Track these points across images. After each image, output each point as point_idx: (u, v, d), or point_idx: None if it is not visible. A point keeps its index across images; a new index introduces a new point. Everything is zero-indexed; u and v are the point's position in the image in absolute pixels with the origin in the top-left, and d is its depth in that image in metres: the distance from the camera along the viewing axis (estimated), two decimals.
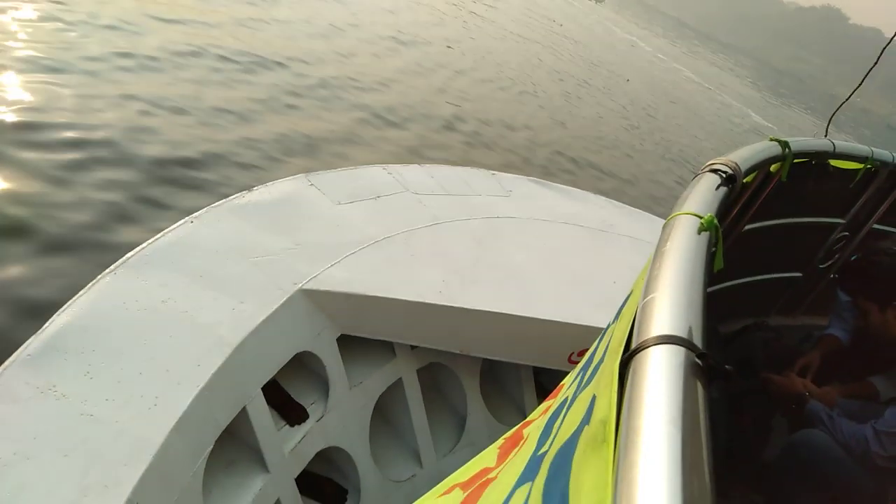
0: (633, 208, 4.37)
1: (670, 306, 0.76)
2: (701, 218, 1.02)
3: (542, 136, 9.85)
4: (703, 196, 1.17)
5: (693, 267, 0.87)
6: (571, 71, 16.71)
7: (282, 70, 7.53)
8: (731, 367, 0.72)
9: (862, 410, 1.91)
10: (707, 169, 1.33)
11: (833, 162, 2.21)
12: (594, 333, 1.34)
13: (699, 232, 0.99)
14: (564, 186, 4.19)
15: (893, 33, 2.60)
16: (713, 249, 1.02)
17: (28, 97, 4.65)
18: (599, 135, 11.69)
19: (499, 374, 3.20)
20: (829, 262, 2.65)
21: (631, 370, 0.68)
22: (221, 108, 5.87)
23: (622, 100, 15.96)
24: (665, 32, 66.89)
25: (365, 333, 2.49)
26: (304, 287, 2.23)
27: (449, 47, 12.92)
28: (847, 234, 2.57)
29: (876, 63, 2.52)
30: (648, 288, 0.82)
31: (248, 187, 2.66)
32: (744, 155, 1.52)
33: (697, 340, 0.70)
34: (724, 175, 1.30)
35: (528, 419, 1.45)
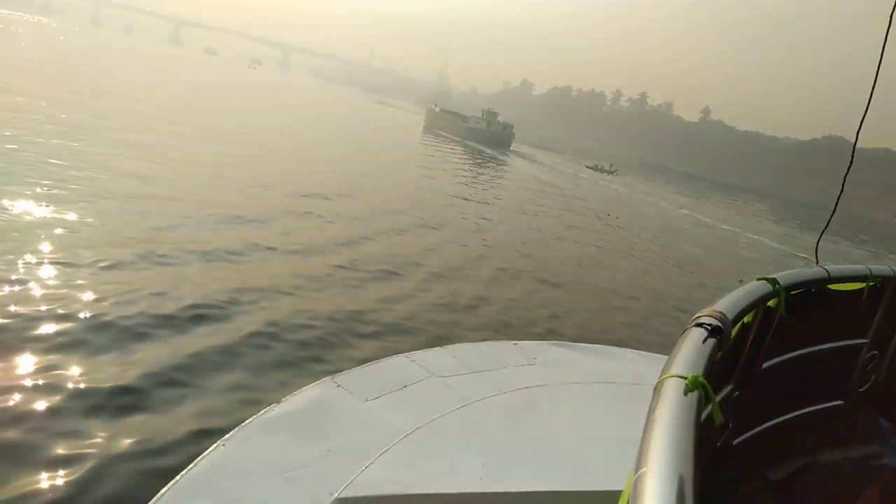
0: (663, 356, 4.24)
1: (659, 483, 0.74)
2: (685, 379, 1.00)
3: None
4: (688, 354, 1.14)
5: (682, 436, 0.85)
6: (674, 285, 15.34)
7: None
8: None
9: None
10: (693, 324, 1.30)
11: (832, 286, 2.20)
12: None
13: (685, 393, 0.96)
14: (589, 345, 4.12)
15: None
16: (709, 407, 0.99)
17: None
18: None
19: None
20: (868, 385, 2.54)
21: None
22: None
23: None
24: (700, 195, 67.13)
25: None
26: (341, 496, 2.19)
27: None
28: (876, 352, 2.49)
29: (850, 166, 2.50)
30: (639, 462, 0.80)
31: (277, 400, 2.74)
32: (730, 301, 1.53)
33: None
34: (709, 328, 1.27)
35: None
